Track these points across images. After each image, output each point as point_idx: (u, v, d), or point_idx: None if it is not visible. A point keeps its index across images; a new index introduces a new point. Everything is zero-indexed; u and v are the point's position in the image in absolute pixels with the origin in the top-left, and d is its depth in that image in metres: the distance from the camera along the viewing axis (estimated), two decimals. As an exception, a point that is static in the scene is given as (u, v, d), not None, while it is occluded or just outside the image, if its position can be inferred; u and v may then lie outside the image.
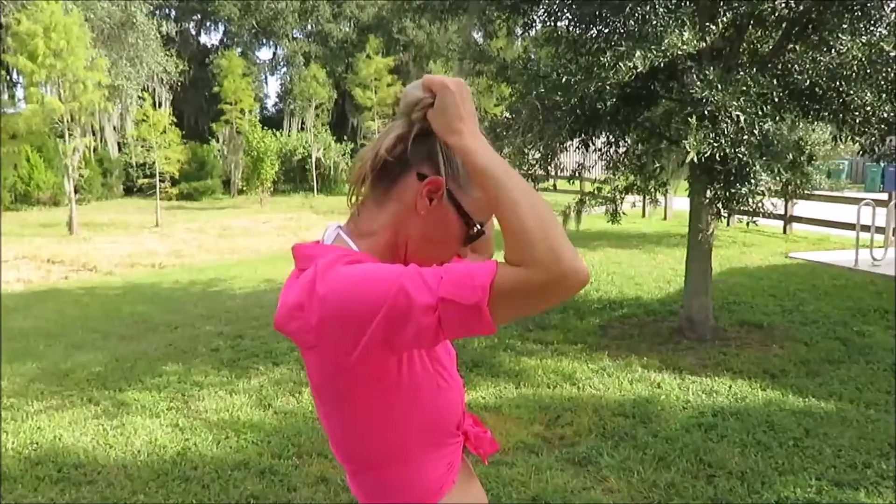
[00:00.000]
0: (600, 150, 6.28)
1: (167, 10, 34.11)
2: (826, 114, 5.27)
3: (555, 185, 6.58)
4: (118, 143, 26.23)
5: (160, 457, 3.99)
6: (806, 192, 6.70)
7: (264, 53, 68.37)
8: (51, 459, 3.98)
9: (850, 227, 10.38)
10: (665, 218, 15.78)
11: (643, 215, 16.14)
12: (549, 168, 5.72)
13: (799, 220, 13.09)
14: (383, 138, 1.13)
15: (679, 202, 13.89)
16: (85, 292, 9.85)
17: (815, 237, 12.61)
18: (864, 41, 4.57)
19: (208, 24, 36.31)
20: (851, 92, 4.65)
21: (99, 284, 10.63)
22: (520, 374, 5.29)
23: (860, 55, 4.49)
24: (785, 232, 13.28)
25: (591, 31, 5.51)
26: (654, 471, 3.66)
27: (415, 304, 0.97)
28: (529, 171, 5.72)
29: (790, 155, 4.95)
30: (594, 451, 3.90)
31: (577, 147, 6.09)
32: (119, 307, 8.67)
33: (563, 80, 5.20)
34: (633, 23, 4.72)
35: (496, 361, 5.59)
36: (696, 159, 4.45)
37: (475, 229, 1.14)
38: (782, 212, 13.10)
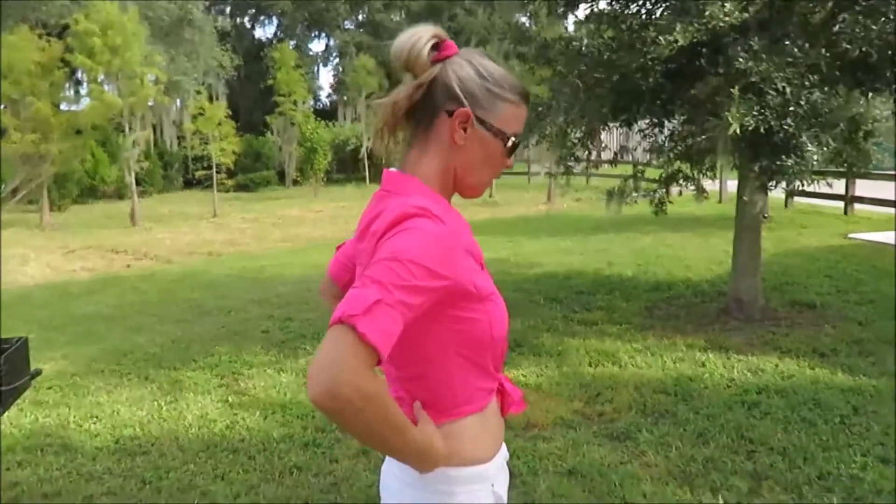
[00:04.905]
0: (643, 131, 6.18)
1: (223, 6, 34.85)
2: (880, 85, 5.09)
3: (597, 166, 6.50)
4: (178, 138, 27.00)
5: (210, 430, 4.15)
6: (865, 170, 6.44)
7: (317, 45, 69.20)
8: (108, 432, 4.19)
9: (915, 206, 9.99)
10: (720, 201, 15.41)
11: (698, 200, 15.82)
12: (590, 147, 5.68)
13: (861, 200, 12.63)
14: (399, 91, 1.25)
15: (735, 185, 13.58)
16: (144, 279, 10.23)
17: (878, 218, 12.13)
18: (916, 6, 4.40)
19: (263, 18, 36.95)
20: (902, 59, 4.48)
21: (157, 272, 11.01)
22: (562, 353, 5.29)
23: (912, 21, 4.33)
24: (846, 213, 12.84)
25: (632, 7, 5.43)
26: (693, 446, 3.63)
27: None
28: (572, 151, 5.68)
29: (840, 126, 4.79)
30: (633, 427, 3.89)
31: (620, 127, 6.02)
32: (175, 293, 8.97)
33: (605, 56, 5.15)
34: (674, -4, 4.64)
35: (539, 341, 5.60)
36: (738, 131, 4.36)
37: (511, 141, 1.27)
38: (843, 192, 12.68)
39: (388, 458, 1.31)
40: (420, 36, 1.22)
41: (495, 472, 1.30)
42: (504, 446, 1.38)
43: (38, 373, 2.70)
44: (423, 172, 1.25)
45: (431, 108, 1.24)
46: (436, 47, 1.23)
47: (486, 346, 1.24)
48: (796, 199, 13.98)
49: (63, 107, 19.65)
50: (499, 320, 1.24)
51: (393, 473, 1.29)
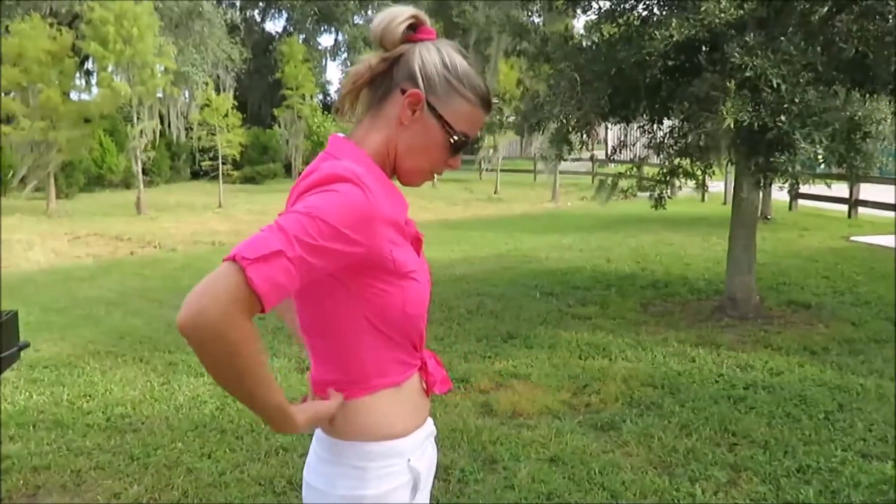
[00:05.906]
0: (643, 127, 6.20)
1: (233, -1, 34.88)
2: (877, 85, 5.10)
3: (593, 158, 6.52)
4: (186, 129, 27.07)
5: (200, 411, 4.20)
6: (865, 172, 6.39)
7: (326, 40, 69.31)
8: (100, 410, 4.24)
9: (917, 210, 9.96)
10: (725, 202, 15.40)
11: (702, 199, 15.79)
12: (586, 138, 5.71)
13: (865, 203, 12.61)
14: (364, 60, 1.26)
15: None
16: (147, 266, 10.30)
17: (881, 222, 12.10)
18: (912, 6, 4.41)
19: (272, 11, 37.00)
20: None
21: (161, 259, 11.08)
22: (554, 345, 5.32)
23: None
24: (850, 216, 12.82)
25: (630, 1, 5.45)
26: (676, 438, 3.66)
27: None
28: (568, 139, 5.71)
29: (835, 126, 4.79)
30: (618, 417, 3.92)
31: (619, 123, 6.04)
32: (177, 280, 9.03)
33: (603, 51, 5.17)
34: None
35: (532, 334, 5.63)
36: (732, 126, 4.38)
37: (456, 137, 1.26)
38: (846, 195, 12.65)
39: (315, 434, 1.31)
40: (399, 13, 1.23)
41: (413, 447, 1.29)
42: (430, 422, 1.37)
43: (27, 345, 2.74)
44: (366, 142, 1.25)
45: (389, 82, 1.25)
46: (412, 28, 1.25)
47: (397, 321, 1.23)
48: (800, 202, 13.97)
49: (73, 96, 19.75)
50: (414, 299, 1.23)
51: (313, 449, 1.31)
